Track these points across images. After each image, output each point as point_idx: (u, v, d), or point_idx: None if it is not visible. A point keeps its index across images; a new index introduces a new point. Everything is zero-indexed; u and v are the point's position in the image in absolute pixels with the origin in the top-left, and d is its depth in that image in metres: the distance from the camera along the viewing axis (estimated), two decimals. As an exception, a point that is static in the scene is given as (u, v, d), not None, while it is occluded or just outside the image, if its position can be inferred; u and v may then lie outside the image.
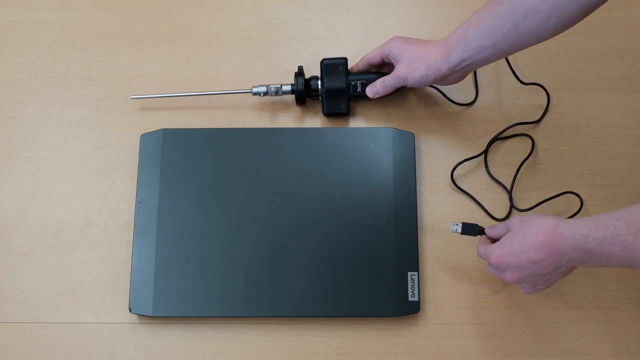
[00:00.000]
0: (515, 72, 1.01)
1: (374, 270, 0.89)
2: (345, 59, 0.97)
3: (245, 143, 0.94)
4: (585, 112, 1.00)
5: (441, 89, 1.00)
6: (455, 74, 0.90)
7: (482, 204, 0.95)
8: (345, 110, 0.97)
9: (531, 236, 0.78)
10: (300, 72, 0.98)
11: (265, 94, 0.97)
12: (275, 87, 0.97)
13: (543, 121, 0.99)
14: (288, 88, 0.98)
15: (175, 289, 0.89)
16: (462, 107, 1.00)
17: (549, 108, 1.00)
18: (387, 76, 0.95)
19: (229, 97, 1.00)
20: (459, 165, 0.96)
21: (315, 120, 1.00)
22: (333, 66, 0.97)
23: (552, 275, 0.79)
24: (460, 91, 1.00)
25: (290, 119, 1.00)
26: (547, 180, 0.96)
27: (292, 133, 0.96)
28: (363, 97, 0.97)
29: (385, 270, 0.89)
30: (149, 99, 1.00)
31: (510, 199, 0.95)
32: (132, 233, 0.92)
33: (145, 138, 0.95)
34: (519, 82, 1.01)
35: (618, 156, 0.97)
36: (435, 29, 1.01)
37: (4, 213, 0.95)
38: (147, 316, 0.89)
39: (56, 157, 0.98)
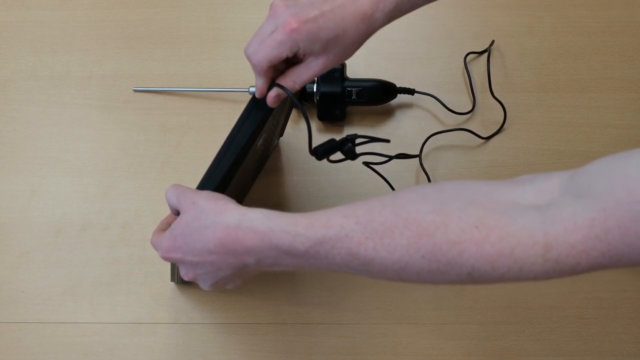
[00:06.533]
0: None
1: None
2: (343, 64, 0.95)
3: None
4: (585, 112, 1.00)
5: (440, 99, 0.98)
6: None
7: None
8: (340, 115, 0.96)
9: (206, 230, 0.63)
10: None
11: None
12: None
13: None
14: None
15: None
16: (464, 117, 1.00)
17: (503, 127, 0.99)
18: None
19: (228, 97, 1.00)
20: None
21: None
22: (329, 71, 0.92)
23: (237, 275, 0.66)
24: (459, 100, 1.01)
25: (289, 119, 1.00)
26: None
27: None
28: (360, 102, 0.95)
29: None
30: (150, 94, 1.00)
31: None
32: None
33: None
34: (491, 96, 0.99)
35: (618, 156, 0.97)
36: (436, 29, 1.01)
37: (4, 213, 0.95)
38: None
39: (56, 157, 0.98)
